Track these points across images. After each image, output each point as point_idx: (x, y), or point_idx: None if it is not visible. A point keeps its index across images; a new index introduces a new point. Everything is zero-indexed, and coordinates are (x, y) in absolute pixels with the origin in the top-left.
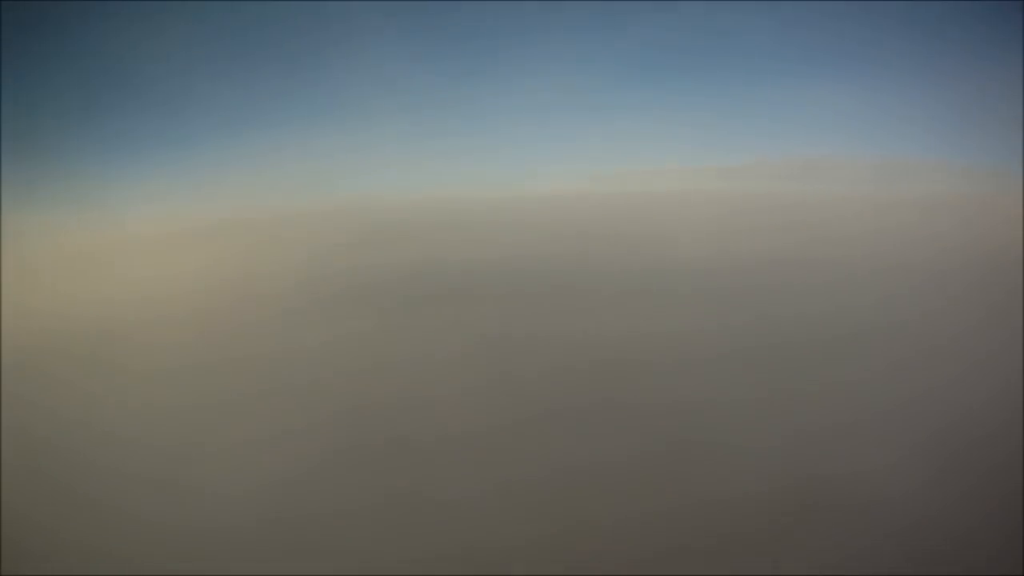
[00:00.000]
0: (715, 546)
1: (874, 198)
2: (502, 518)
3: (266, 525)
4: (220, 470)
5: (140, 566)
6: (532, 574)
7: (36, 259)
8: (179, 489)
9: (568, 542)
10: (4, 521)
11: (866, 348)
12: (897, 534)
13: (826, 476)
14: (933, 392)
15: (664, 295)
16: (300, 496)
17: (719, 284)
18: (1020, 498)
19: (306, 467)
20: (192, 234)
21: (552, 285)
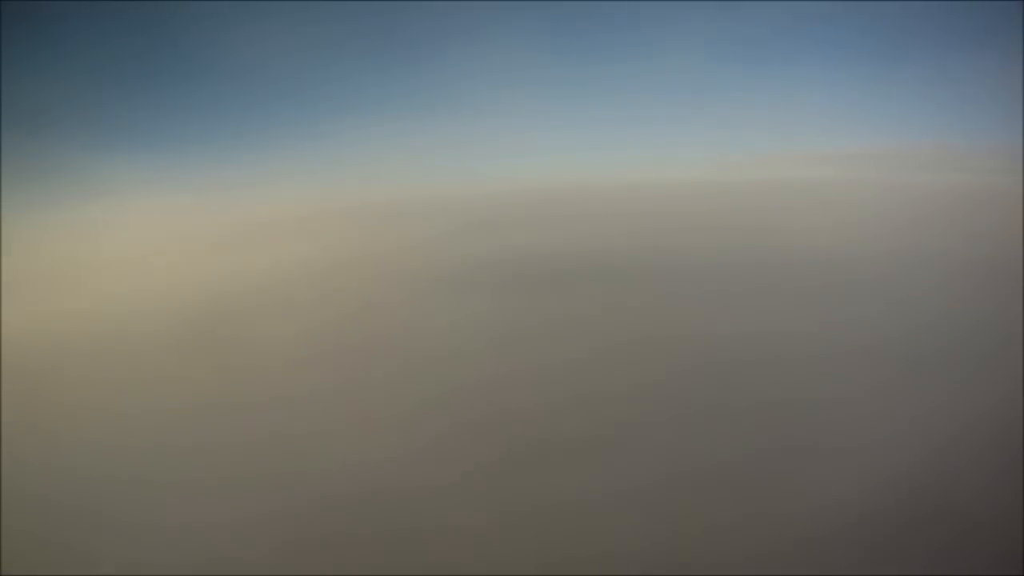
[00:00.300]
0: (838, 547)
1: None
2: (612, 515)
3: (386, 499)
4: (338, 451)
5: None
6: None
7: (155, 242)
8: (308, 471)
9: (682, 543)
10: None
11: (995, 349)
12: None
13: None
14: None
15: (782, 288)
16: (421, 473)
17: (842, 279)
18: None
19: (428, 445)
20: (310, 220)
21: (666, 275)
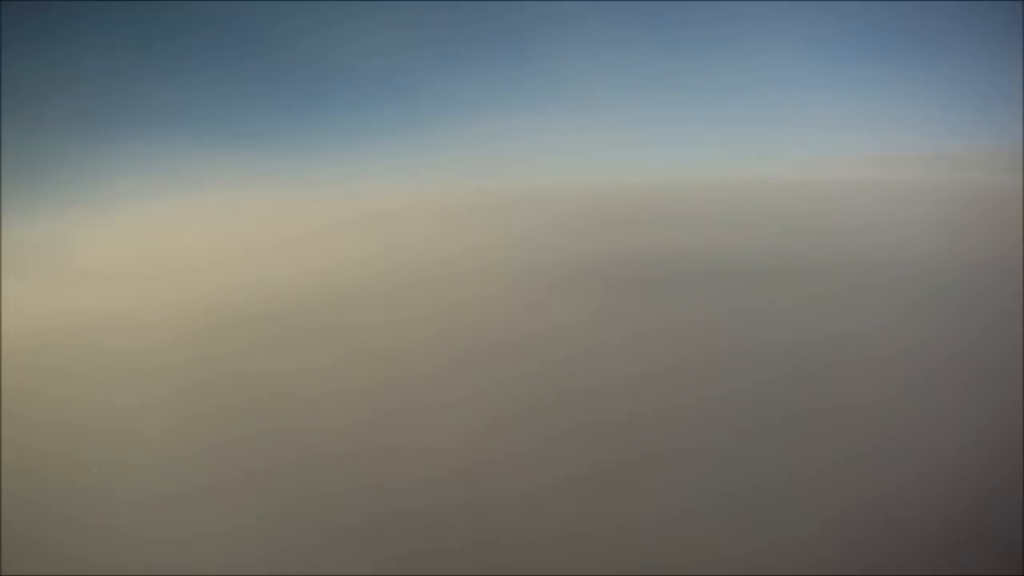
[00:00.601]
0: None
1: None
2: (723, 522)
3: (495, 503)
4: (445, 455)
5: None
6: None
7: (267, 234)
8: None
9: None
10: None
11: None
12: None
13: None
14: None
15: (890, 290)
16: (527, 476)
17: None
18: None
19: (536, 449)
20: (412, 212)
21: (772, 277)
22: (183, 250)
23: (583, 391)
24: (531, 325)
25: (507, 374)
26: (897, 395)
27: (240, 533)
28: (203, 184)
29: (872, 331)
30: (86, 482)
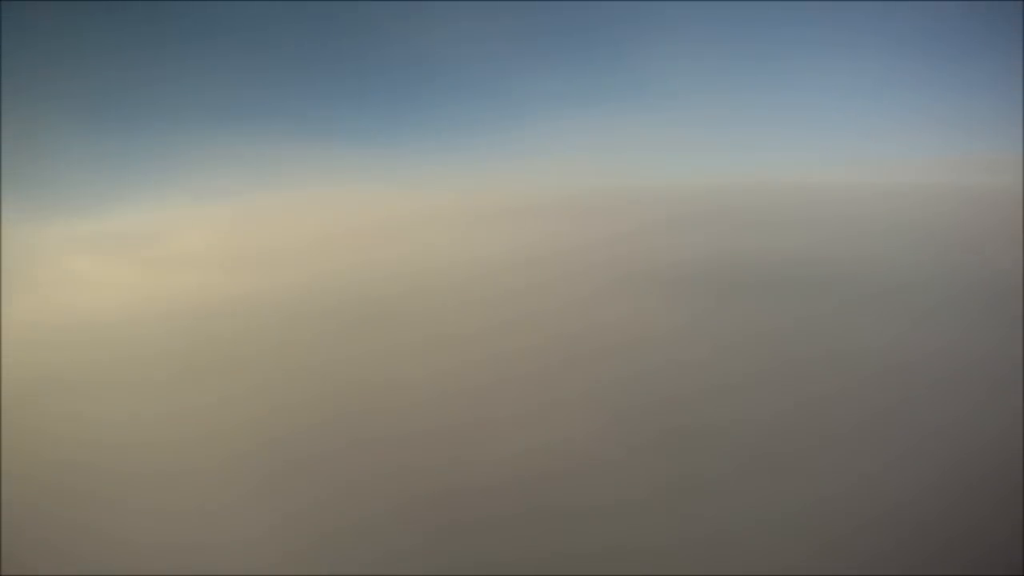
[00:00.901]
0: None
1: None
2: (793, 538)
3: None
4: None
5: None
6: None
7: (353, 227)
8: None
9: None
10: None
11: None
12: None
13: None
14: None
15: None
16: (617, 484)
17: None
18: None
19: (624, 458)
20: (496, 213)
21: (861, 284)
22: (287, 238)
23: (681, 397)
24: (629, 328)
25: (607, 377)
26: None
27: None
28: (316, 177)
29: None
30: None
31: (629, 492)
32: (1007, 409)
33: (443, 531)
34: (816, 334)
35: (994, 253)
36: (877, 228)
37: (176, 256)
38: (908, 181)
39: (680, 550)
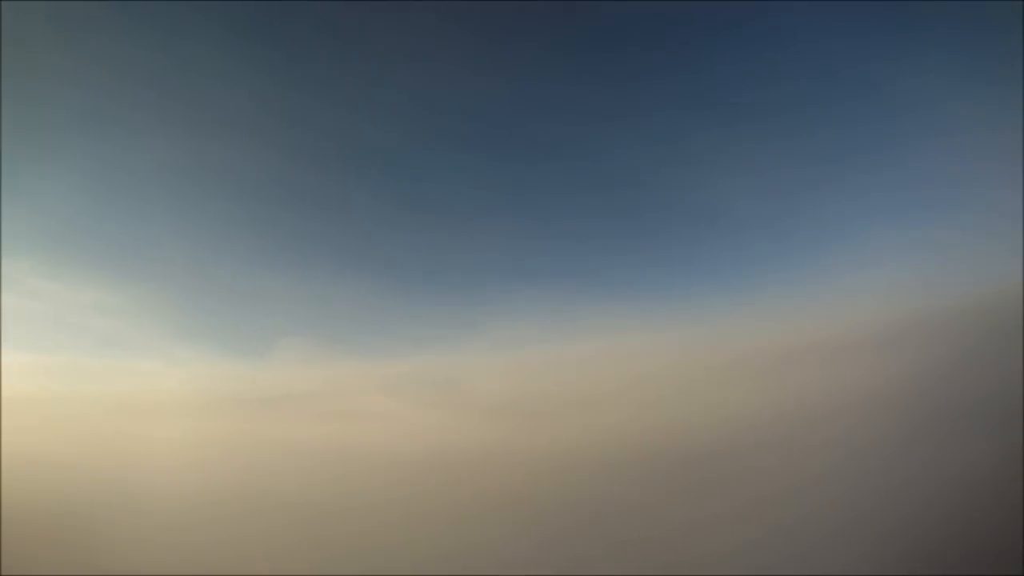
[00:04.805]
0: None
1: None
2: None
3: None
4: None
5: None
6: None
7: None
8: None
9: None
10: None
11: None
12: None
13: None
14: None
15: None
16: None
17: None
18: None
19: None
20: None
21: None
22: (569, 389)
23: None
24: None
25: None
26: None
27: None
28: (613, 329)
29: None
30: None
31: None
32: None
33: None
34: None
35: None
36: None
37: (470, 401)
38: None
39: None
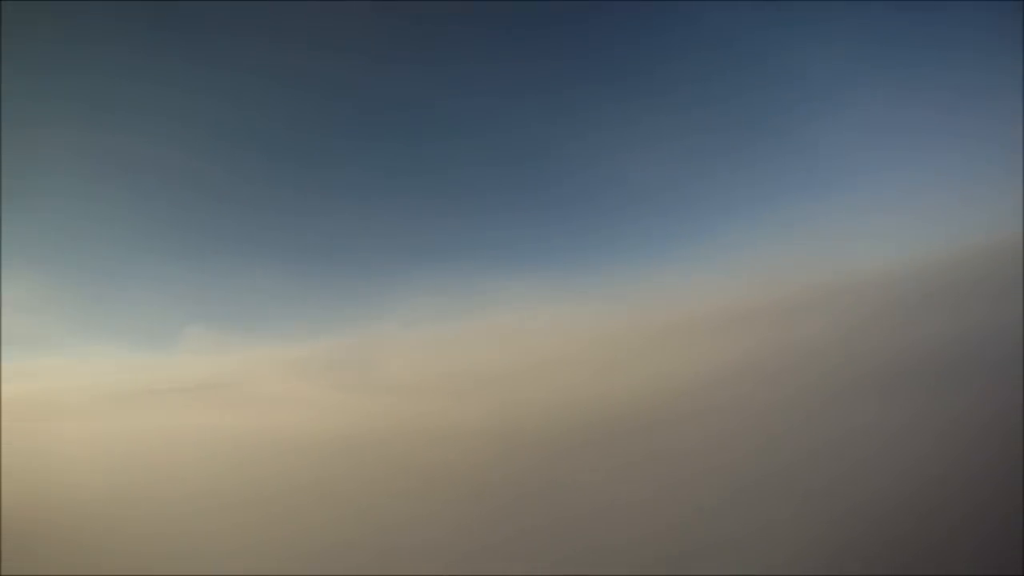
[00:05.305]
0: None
1: None
2: None
3: None
4: None
5: None
6: None
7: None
8: None
9: None
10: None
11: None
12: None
13: None
14: None
15: None
16: None
17: None
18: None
19: None
20: (734, 317)
21: None
22: (480, 365)
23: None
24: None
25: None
26: None
27: None
28: (520, 304)
29: None
30: None
31: None
32: None
33: None
34: None
35: None
36: None
37: (382, 381)
38: None
39: None
